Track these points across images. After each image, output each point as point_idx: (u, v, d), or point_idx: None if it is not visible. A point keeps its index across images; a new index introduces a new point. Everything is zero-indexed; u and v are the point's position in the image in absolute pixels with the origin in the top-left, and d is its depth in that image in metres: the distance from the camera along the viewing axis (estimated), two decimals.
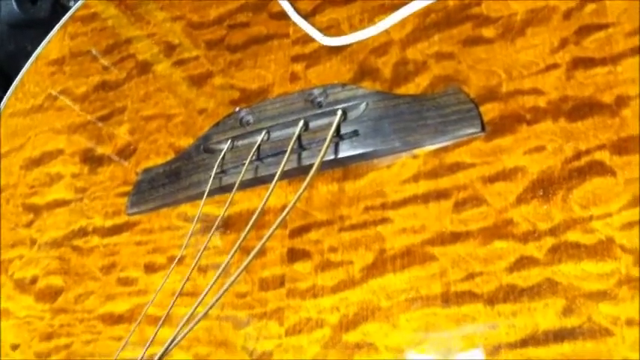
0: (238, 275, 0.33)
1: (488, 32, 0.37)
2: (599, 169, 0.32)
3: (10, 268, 0.48)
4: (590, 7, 0.35)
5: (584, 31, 0.35)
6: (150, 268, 0.42)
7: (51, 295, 0.45)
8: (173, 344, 0.33)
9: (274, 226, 0.34)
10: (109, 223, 0.45)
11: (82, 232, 0.46)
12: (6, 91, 0.56)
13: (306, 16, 0.44)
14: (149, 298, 0.40)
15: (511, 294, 0.31)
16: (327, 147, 0.37)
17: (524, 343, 0.30)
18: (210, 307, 0.33)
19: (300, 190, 0.35)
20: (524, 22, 0.37)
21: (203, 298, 0.34)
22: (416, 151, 0.36)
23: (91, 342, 0.42)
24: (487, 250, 0.32)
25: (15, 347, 0.45)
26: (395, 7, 0.41)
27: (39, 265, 0.47)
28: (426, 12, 0.40)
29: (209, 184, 0.41)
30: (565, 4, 0.36)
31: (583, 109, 0.33)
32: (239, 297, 0.38)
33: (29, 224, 0.49)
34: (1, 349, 0.45)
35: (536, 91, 0.35)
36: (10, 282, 0.48)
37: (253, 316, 0.37)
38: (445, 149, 0.36)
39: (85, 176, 0.48)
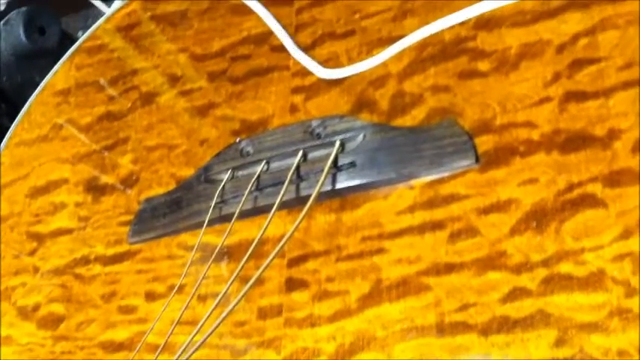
0: (236, 304, 0.34)
1: (483, 66, 0.38)
2: (591, 201, 0.32)
3: (14, 295, 0.49)
4: (582, 42, 0.36)
5: (577, 65, 0.35)
6: (150, 297, 0.43)
7: (53, 322, 0.46)
8: None
9: (272, 256, 0.35)
10: (110, 251, 0.46)
11: (85, 261, 0.47)
12: (13, 121, 0.57)
13: (305, 49, 0.45)
14: (149, 326, 0.41)
15: (504, 325, 0.31)
16: (325, 178, 0.38)
17: None
18: (209, 336, 0.34)
19: (298, 220, 0.36)
20: (518, 56, 0.37)
21: (201, 327, 0.34)
22: (412, 182, 0.37)
23: None
24: (481, 280, 0.33)
25: None
26: (392, 40, 0.42)
27: (41, 292, 0.47)
28: (422, 45, 0.41)
29: (209, 214, 0.41)
30: (558, 38, 0.37)
31: (575, 141, 0.34)
32: (238, 326, 0.38)
33: (33, 252, 0.49)
34: None
35: (529, 124, 0.35)
36: (13, 309, 0.48)
37: (251, 344, 0.37)
38: (440, 180, 0.36)
39: (89, 205, 0.49)
